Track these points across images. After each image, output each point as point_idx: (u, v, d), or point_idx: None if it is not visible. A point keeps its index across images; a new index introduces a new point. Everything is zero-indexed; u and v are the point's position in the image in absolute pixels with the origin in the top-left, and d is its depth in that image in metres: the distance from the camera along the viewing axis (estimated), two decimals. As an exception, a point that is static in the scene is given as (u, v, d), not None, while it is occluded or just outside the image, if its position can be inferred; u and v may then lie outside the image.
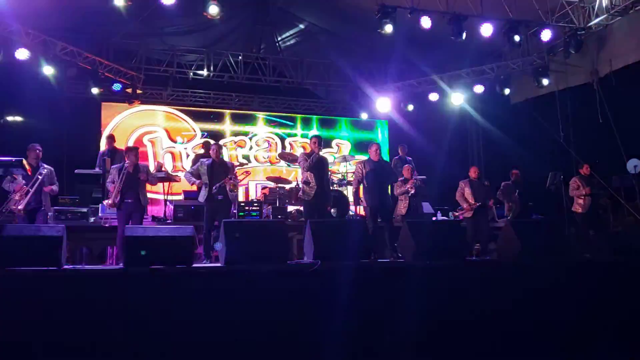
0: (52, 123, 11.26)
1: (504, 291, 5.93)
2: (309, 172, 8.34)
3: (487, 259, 8.33)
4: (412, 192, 9.37)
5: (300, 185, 8.80)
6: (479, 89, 13.22)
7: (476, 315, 5.71)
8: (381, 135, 15.83)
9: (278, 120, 15.07)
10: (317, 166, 8.36)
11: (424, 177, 10.60)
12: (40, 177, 7.46)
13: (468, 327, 5.67)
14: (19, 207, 7.21)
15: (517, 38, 10.58)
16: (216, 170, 8.15)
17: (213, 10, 9.31)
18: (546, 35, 10.92)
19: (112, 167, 8.27)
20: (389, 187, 9.08)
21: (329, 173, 11.51)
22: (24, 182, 7.33)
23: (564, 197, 10.06)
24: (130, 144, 12.66)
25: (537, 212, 10.96)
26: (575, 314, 5.97)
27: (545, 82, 11.98)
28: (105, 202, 8.04)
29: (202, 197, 8.15)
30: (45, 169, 7.62)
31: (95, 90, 12.08)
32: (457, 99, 13.36)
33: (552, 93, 12.02)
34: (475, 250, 9.49)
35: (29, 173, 7.30)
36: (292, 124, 15.18)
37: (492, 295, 5.88)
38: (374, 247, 8.25)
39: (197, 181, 8.17)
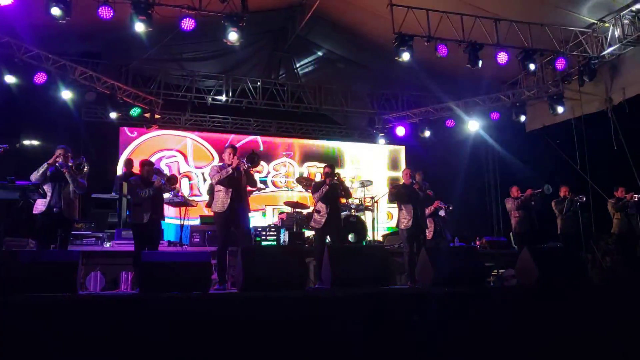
0: (69, 147, 11.28)
1: (526, 317, 5.81)
2: (320, 201, 8.42)
3: (507, 286, 8.25)
4: (443, 212, 9.50)
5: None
6: (494, 115, 13.23)
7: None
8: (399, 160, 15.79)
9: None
10: (329, 195, 8.42)
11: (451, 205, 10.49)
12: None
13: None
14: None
15: (532, 66, 10.65)
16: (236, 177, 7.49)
17: (233, 37, 9.34)
18: (560, 64, 10.98)
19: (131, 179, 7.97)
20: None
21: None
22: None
23: (580, 222, 10.08)
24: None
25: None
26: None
27: (560, 109, 11.99)
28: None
29: (220, 207, 7.37)
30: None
31: (113, 115, 12.13)
32: (473, 125, 13.37)
33: (567, 120, 11.99)
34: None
35: (46, 197, 7.18)
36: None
37: (513, 322, 5.75)
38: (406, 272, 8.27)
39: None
